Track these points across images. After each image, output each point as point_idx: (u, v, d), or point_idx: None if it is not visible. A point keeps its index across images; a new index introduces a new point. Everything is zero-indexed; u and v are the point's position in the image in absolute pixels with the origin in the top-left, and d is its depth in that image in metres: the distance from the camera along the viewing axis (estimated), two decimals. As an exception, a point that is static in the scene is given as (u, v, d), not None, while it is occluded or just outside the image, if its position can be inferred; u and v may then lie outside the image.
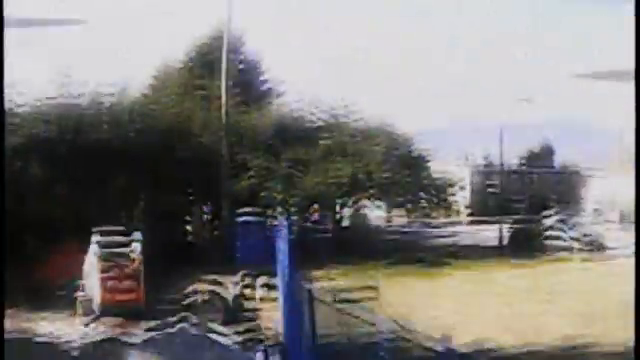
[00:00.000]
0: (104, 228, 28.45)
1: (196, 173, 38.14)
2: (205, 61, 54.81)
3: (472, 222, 63.60)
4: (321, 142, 40.82)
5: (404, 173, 40.33)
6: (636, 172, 5.58)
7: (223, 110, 39.59)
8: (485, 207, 68.62)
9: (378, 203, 46.14)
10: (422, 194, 43.97)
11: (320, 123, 43.26)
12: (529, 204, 67.04)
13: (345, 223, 45.77)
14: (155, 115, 40.10)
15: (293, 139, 40.95)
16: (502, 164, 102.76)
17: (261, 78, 56.96)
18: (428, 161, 44.63)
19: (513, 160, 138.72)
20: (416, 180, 41.74)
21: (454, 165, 77.82)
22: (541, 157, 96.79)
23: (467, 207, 67.96)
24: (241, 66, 54.97)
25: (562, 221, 47.47)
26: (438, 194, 44.55)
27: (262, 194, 39.26)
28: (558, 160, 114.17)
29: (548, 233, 45.99)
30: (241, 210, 37.93)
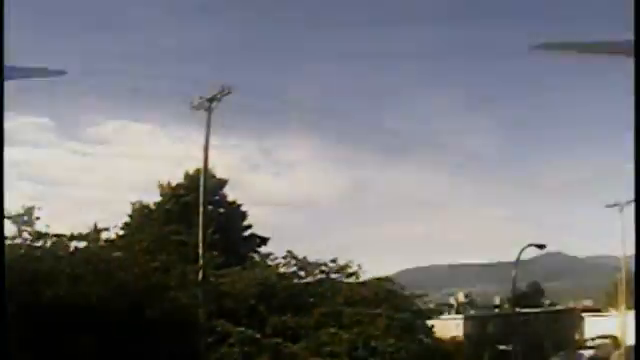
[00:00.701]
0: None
1: (170, 337, 33.32)
2: (182, 203, 52.13)
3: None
4: (313, 306, 36.09)
5: (407, 340, 35.83)
6: (636, 174, 5.09)
7: (200, 265, 35.34)
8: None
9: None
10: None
11: (309, 279, 38.98)
12: (526, 352, 62.94)
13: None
14: (126, 266, 35.46)
15: (280, 300, 36.31)
16: (497, 306, 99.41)
17: (242, 223, 54.30)
18: (430, 319, 40.62)
19: (497, 299, 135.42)
20: (421, 347, 37.28)
21: (446, 314, 74.23)
22: (530, 296, 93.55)
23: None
24: (221, 210, 52.40)
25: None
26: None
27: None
28: (550, 297, 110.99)
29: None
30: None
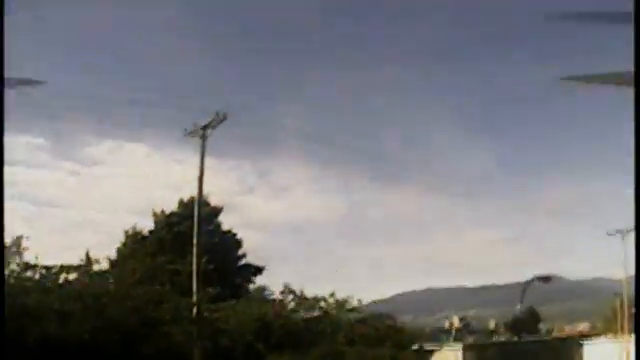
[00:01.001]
0: None
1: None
2: (175, 232, 50.98)
3: None
4: (313, 344, 34.49)
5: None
6: (636, 174, 5.19)
7: (195, 301, 33.92)
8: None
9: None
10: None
11: (307, 315, 37.23)
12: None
13: None
14: (118, 298, 33.96)
15: (279, 338, 34.67)
16: (492, 331, 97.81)
17: (237, 253, 53.15)
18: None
19: (492, 323, 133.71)
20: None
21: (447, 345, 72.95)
22: (526, 321, 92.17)
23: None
24: (215, 239, 51.17)
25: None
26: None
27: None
28: (546, 320, 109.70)
29: None
30: None
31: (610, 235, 61.51)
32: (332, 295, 37.09)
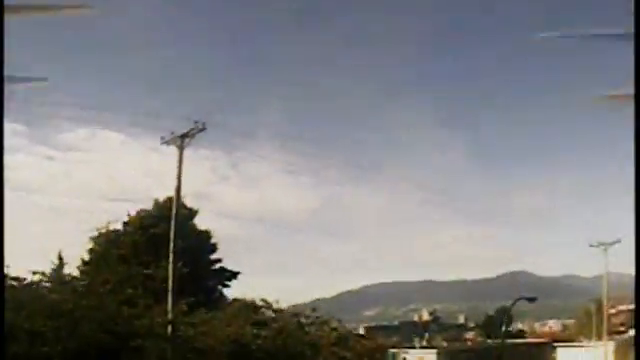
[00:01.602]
0: None
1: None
2: (150, 234, 49.94)
3: None
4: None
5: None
6: (636, 174, 5.14)
7: (170, 318, 32.78)
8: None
9: None
10: None
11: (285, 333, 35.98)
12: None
13: None
14: (90, 308, 32.67)
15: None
16: (460, 325, 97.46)
17: (211, 256, 52.30)
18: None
19: (462, 318, 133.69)
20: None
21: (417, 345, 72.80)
22: (499, 321, 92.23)
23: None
24: (189, 241, 50.14)
25: None
26: None
27: None
28: (516, 317, 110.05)
29: None
30: None
31: (592, 247, 61.12)
32: (314, 310, 36.34)
